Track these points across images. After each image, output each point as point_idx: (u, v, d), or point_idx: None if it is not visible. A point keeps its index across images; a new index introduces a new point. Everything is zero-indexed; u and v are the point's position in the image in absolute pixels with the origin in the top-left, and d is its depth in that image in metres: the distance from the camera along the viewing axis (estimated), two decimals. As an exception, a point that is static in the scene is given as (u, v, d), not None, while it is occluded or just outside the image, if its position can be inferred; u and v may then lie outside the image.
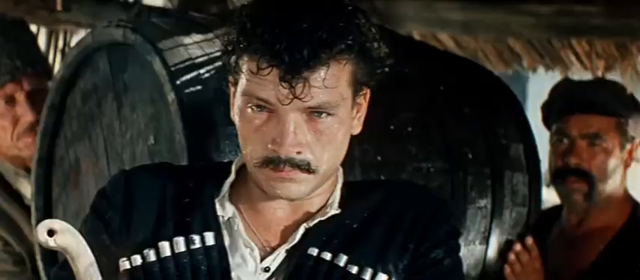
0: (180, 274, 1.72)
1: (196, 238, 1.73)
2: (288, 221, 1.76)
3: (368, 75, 1.70)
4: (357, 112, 1.73)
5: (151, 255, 1.72)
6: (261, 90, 1.64)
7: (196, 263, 1.72)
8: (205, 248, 1.73)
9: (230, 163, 1.81)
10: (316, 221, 1.74)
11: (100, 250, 1.76)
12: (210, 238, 1.73)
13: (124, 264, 1.73)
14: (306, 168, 1.66)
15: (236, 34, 1.66)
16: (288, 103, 1.62)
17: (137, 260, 1.73)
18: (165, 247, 1.73)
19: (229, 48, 1.69)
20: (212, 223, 1.74)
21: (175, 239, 1.73)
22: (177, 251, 1.73)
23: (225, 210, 1.76)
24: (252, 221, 1.76)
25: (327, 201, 1.76)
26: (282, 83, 1.61)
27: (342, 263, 1.71)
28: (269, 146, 1.66)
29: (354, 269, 1.71)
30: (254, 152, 1.68)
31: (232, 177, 1.78)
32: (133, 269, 1.73)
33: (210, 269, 1.72)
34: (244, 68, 1.66)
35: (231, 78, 1.72)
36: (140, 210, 1.76)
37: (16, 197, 3.06)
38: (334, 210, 1.75)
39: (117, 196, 1.78)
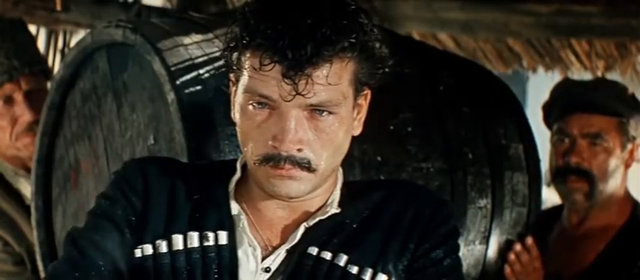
0: (191, 269, 1.71)
1: (211, 235, 1.72)
2: (288, 220, 1.76)
3: (369, 75, 1.70)
4: (358, 113, 1.73)
5: (163, 247, 1.72)
6: (264, 87, 1.64)
7: (208, 261, 1.71)
8: (218, 246, 1.72)
9: (234, 161, 1.80)
10: (316, 220, 1.74)
11: (119, 233, 1.74)
12: (223, 237, 1.72)
13: (135, 252, 1.72)
14: (307, 165, 1.66)
15: (239, 31, 1.66)
16: (291, 100, 1.62)
17: (148, 249, 1.72)
18: (178, 240, 1.72)
19: (231, 44, 1.68)
20: (226, 222, 1.74)
21: (189, 233, 1.72)
22: (189, 246, 1.72)
23: (231, 206, 1.75)
24: (255, 220, 1.76)
25: (327, 200, 1.76)
26: (285, 79, 1.61)
27: (342, 263, 1.71)
28: (270, 143, 1.65)
29: (354, 269, 1.71)
30: (254, 149, 1.68)
31: (238, 174, 1.77)
32: (143, 258, 1.72)
33: (220, 268, 1.71)
34: (246, 65, 1.66)
35: (231, 77, 1.72)
36: (156, 199, 1.75)
37: (16, 197, 3.06)
38: (334, 210, 1.75)
39: (137, 181, 1.77)
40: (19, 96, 3.00)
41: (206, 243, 1.72)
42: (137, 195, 1.76)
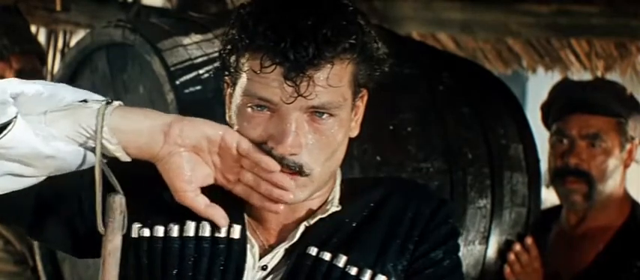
0: (198, 257, 1.70)
1: (223, 228, 1.72)
2: (287, 220, 1.75)
3: (367, 77, 1.69)
4: (355, 115, 1.73)
5: (175, 231, 1.71)
6: (264, 90, 1.63)
7: (217, 252, 1.70)
8: (229, 239, 1.71)
9: None
10: (316, 218, 1.74)
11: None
12: (236, 231, 1.71)
13: (142, 231, 1.71)
14: (298, 170, 1.65)
15: (237, 33, 1.65)
16: (292, 102, 1.61)
17: (159, 231, 1.71)
18: (190, 226, 1.71)
19: (229, 47, 1.68)
20: (240, 218, 1.73)
21: (203, 222, 1.72)
22: (201, 235, 1.71)
23: None
24: (252, 219, 1.75)
25: (327, 198, 1.76)
26: (287, 81, 1.60)
27: (341, 264, 1.70)
28: (268, 145, 1.65)
29: (354, 271, 1.70)
30: None
31: None
32: (153, 238, 1.70)
33: (227, 261, 1.70)
34: (245, 67, 1.65)
35: (227, 79, 1.71)
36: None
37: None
38: (335, 207, 1.75)
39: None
40: (10, 75, 3.00)
41: (217, 235, 1.71)
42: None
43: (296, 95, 1.61)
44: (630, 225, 3.00)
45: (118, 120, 1.60)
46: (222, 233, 1.71)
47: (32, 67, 3.05)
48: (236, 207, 1.73)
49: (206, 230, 1.71)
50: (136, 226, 1.71)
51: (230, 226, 1.71)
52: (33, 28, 4.08)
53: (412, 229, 1.74)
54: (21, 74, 3.00)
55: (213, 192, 1.72)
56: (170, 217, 1.71)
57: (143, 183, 1.71)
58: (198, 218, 1.71)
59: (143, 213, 1.72)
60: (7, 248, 3.00)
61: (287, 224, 1.75)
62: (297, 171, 1.64)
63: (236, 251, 1.71)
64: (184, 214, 1.71)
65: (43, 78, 3.21)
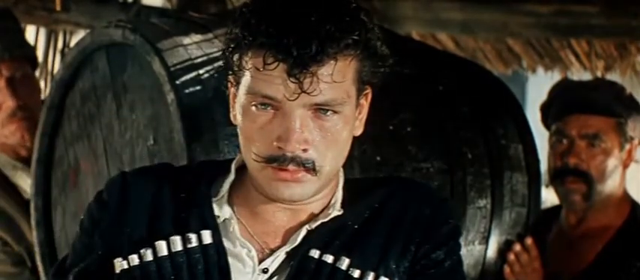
0: (176, 274, 1.71)
1: (193, 237, 1.71)
2: (288, 223, 1.75)
3: (371, 74, 1.69)
4: (359, 113, 1.73)
5: (148, 255, 1.71)
6: (267, 87, 1.63)
7: (193, 262, 1.70)
8: (202, 246, 1.71)
9: (229, 161, 1.80)
10: (318, 223, 1.73)
11: (90, 252, 1.76)
12: (207, 236, 1.72)
13: (122, 264, 1.72)
14: (311, 167, 1.65)
15: (239, 31, 1.65)
16: (295, 99, 1.61)
17: (134, 259, 1.71)
18: (162, 246, 1.71)
19: (232, 45, 1.68)
20: (210, 221, 1.73)
21: (172, 238, 1.71)
22: (173, 250, 1.71)
23: (222, 210, 1.74)
24: (250, 224, 1.74)
25: (330, 201, 1.76)
26: (290, 78, 1.60)
27: (344, 267, 1.70)
28: (274, 144, 1.64)
29: (356, 273, 1.69)
30: (258, 151, 1.66)
31: (232, 176, 1.77)
32: (131, 268, 1.71)
33: (207, 268, 1.70)
34: (248, 65, 1.65)
35: (231, 78, 1.71)
36: (135, 209, 1.74)
37: (15, 193, 3.05)
38: (336, 212, 1.74)
39: (112, 195, 1.77)
40: (1, 83, 2.98)
41: (189, 245, 1.71)
42: (108, 209, 1.76)
43: (299, 92, 1.61)
44: (630, 225, 3.00)
45: None
46: (194, 243, 1.71)
47: (23, 74, 3.02)
48: (204, 211, 1.73)
49: (178, 245, 1.71)
50: (117, 261, 1.72)
51: (199, 233, 1.72)
52: (33, 28, 4.09)
53: (413, 230, 1.74)
54: (12, 81, 2.98)
55: (184, 197, 1.73)
56: (140, 242, 1.72)
57: (115, 219, 1.74)
58: (167, 236, 1.71)
59: (121, 246, 1.73)
60: (5, 249, 3.00)
61: (288, 229, 1.74)
62: (311, 167, 1.64)
63: (212, 255, 1.70)
64: (152, 236, 1.72)
65: (35, 84, 3.19)
